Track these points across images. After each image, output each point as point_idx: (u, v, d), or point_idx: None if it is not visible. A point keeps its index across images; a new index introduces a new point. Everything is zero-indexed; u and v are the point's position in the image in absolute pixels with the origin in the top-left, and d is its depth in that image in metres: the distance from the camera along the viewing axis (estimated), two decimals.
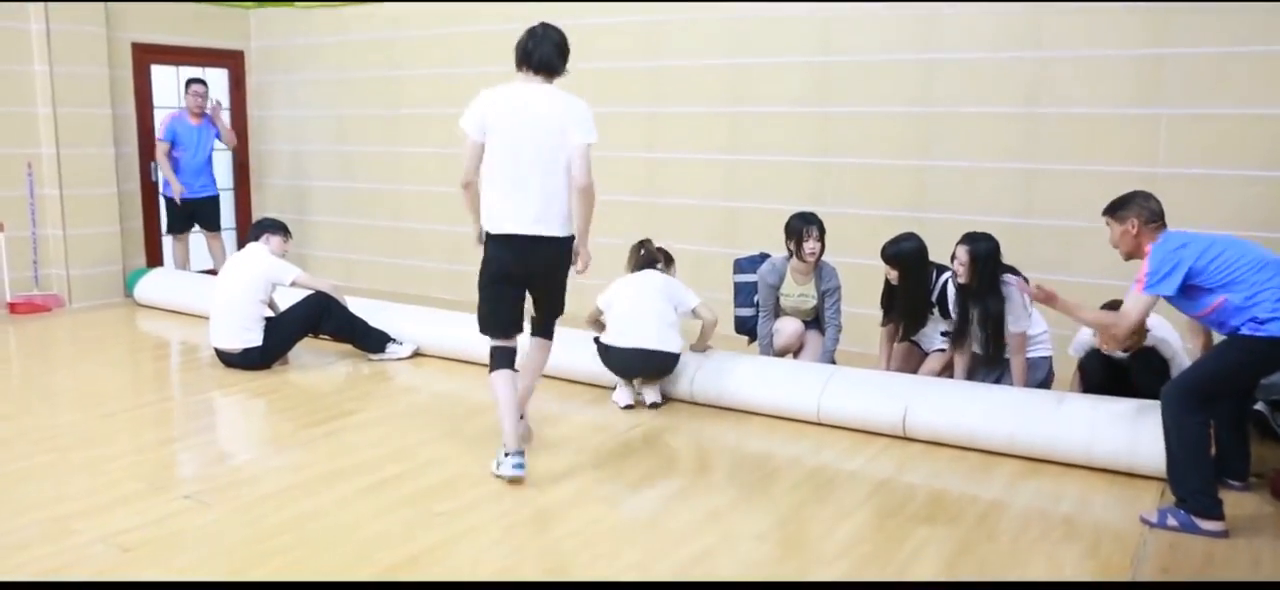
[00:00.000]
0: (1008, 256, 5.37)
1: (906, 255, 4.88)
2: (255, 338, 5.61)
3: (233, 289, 5.67)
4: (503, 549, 3.33)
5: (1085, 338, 4.63)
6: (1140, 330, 4.03)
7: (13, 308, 7.30)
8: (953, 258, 4.72)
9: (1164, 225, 3.65)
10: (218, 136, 7.92)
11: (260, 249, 5.81)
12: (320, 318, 5.86)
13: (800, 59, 6.35)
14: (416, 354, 6.02)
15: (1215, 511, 3.46)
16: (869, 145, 6.18)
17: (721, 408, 4.96)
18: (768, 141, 6.52)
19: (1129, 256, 3.76)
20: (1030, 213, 5.69)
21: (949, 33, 5.86)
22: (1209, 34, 5.17)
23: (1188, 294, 3.51)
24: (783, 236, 5.24)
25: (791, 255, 5.17)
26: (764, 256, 5.48)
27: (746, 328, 5.55)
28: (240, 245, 8.74)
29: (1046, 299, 3.94)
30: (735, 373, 4.96)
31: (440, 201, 8.05)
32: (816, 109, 6.33)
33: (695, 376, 5.02)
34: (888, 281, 5.02)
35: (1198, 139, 5.26)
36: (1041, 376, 4.79)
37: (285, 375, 5.62)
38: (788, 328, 5.30)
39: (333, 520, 3.56)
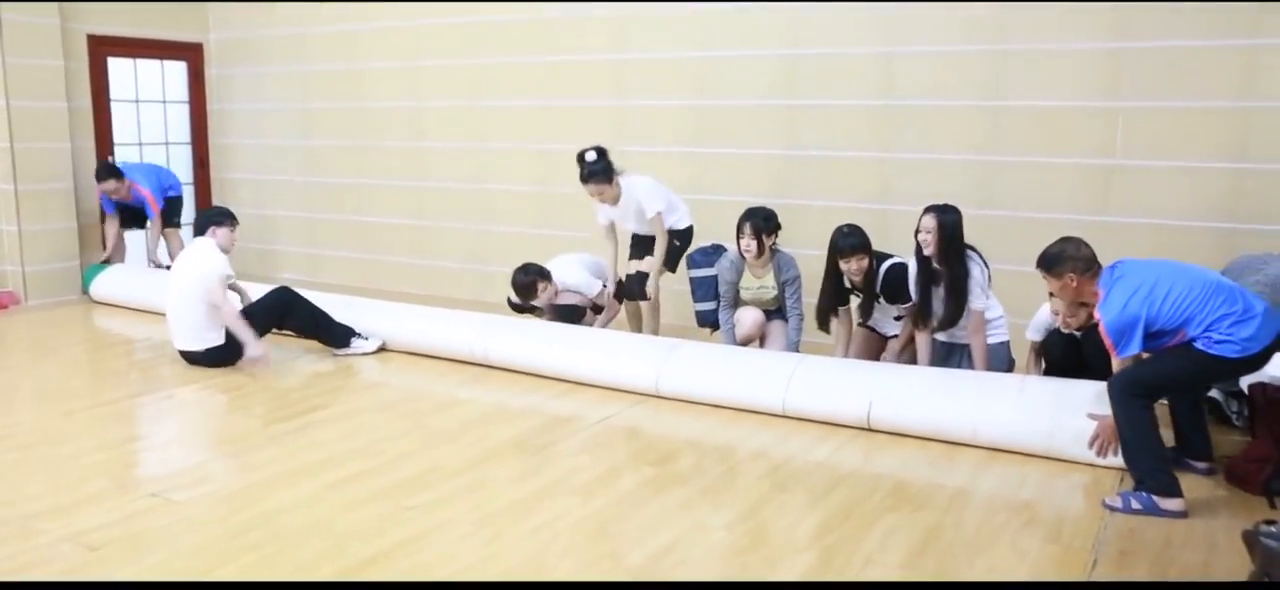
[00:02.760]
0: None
1: (855, 248, 4.95)
2: (216, 336, 5.53)
3: (183, 292, 5.55)
4: (475, 541, 3.34)
5: (1043, 318, 4.69)
6: (1092, 311, 4.09)
7: None
8: (917, 231, 4.75)
9: (1099, 269, 3.72)
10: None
11: (207, 244, 5.66)
12: (285, 312, 5.80)
13: (766, 52, 6.40)
14: (382, 349, 5.99)
15: (1174, 489, 3.56)
16: (833, 138, 6.24)
17: (687, 401, 4.97)
18: (733, 135, 6.56)
19: (1072, 304, 3.94)
20: (992, 204, 5.78)
21: (912, 27, 5.93)
22: (1165, 29, 5.29)
23: (1150, 339, 3.59)
24: None
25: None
26: (718, 248, 5.53)
27: (707, 321, 5.59)
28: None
29: (1112, 430, 3.84)
30: (700, 368, 4.98)
31: (406, 195, 8.02)
32: (782, 102, 6.38)
33: (661, 371, 5.03)
34: (834, 272, 5.06)
35: (1154, 131, 5.38)
36: (1000, 363, 4.85)
37: (241, 379, 5.50)
38: (748, 318, 5.34)
39: (303, 515, 3.55)
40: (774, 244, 5.27)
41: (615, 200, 5.64)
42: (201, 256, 5.60)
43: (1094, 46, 5.47)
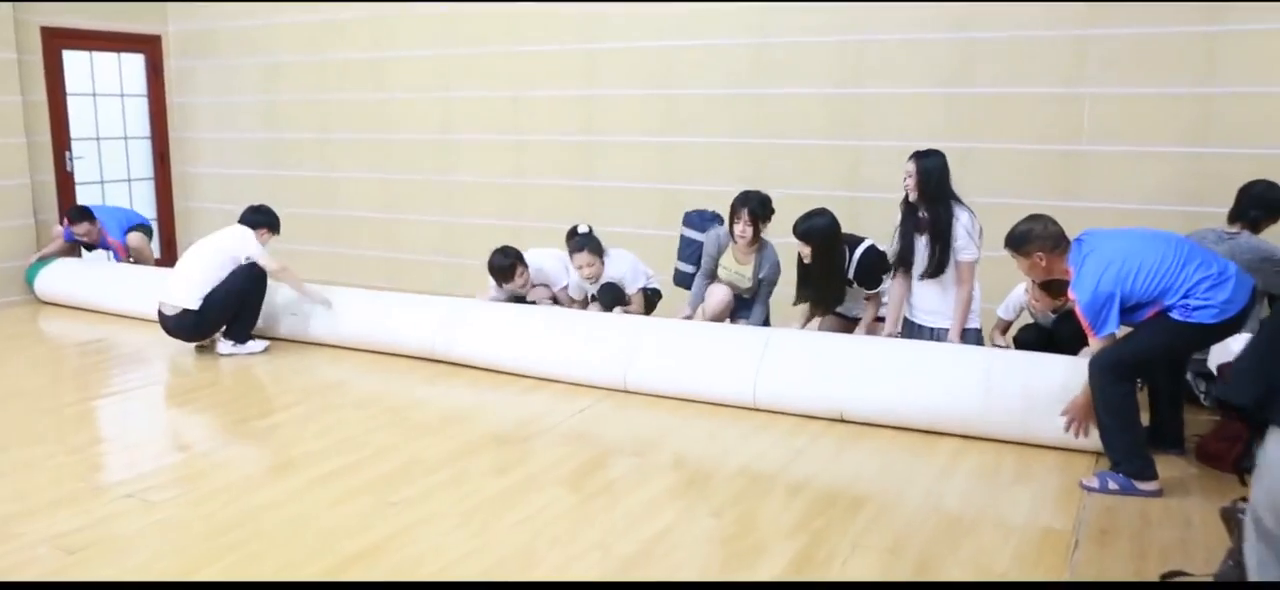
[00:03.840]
0: None
1: (817, 231, 4.80)
2: (193, 303, 5.56)
3: (205, 249, 5.73)
4: (463, 534, 3.32)
5: (1017, 298, 4.74)
6: (1064, 294, 4.11)
7: None
8: (905, 180, 4.64)
9: (1068, 244, 3.70)
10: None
11: (248, 233, 5.80)
12: (253, 289, 5.77)
13: (733, 42, 6.41)
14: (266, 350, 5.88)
15: (1149, 472, 3.60)
16: (801, 127, 6.27)
17: (657, 396, 4.91)
18: (702, 124, 6.58)
19: (1044, 281, 3.94)
20: (960, 190, 5.82)
21: (878, 15, 5.97)
22: (1129, 16, 5.38)
23: (1126, 312, 3.58)
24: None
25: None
26: (716, 216, 5.50)
27: (682, 282, 5.58)
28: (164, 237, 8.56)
29: (1086, 409, 3.84)
30: (668, 363, 4.91)
31: (374, 187, 7.94)
32: (749, 91, 6.40)
33: (629, 366, 4.96)
34: (800, 258, 4.94)
35: (1118, 117, 5.48)
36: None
37: (214, 371, 5.46)
38: (718, 296, 5.31)
39: (286, 512, 3.51)
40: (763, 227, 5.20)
41: (598, 278, 5.60)
42: (244, 240, 5.76)
43: (1060, 34, 5.55)
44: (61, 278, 7.25)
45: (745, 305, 5.39)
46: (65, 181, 7.96)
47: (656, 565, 3.09)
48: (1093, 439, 3.90)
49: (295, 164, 8.29)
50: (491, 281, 5.78)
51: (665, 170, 6.74)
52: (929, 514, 3.52)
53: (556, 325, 5.36)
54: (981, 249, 4.62)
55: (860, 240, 4.93)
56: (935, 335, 4.71)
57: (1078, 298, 3.61)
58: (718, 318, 5.35)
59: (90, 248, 7.49)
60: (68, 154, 7.97)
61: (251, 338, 5.85)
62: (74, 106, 8.04)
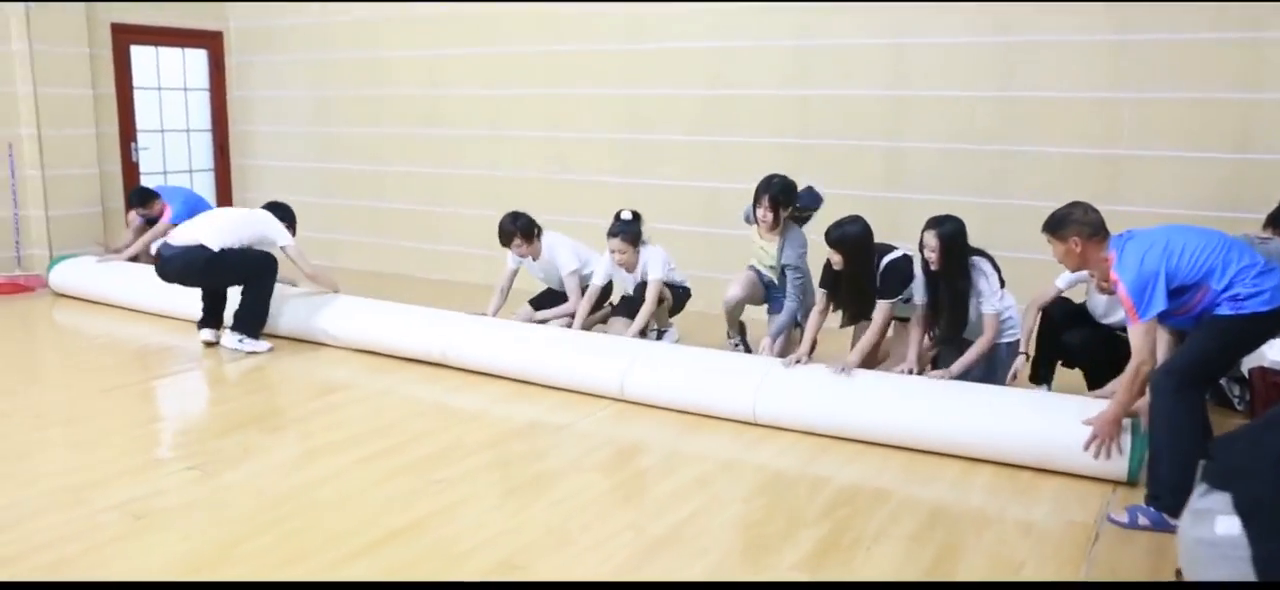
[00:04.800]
0: (980, 237, 5.57)
1: (851, 239, 4.63)
2: (213, 244, 5.47)
3: (233, 212, 5.89)
4: (503, 512, 3.49)
5: (1068, 280, 4.56)
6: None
7: None
8: (921, 245, 4.63)
9: (1107, 234, 3.60)
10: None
11: (273, 217, 5.88)
12: (265, 276, 5.71)
13: (777, 43, 6.52)
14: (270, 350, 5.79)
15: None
16: (846, 127, 6.36)
17: (654, 407, 4.75)
18: (745, 124, 6.69)
19: (1077, 270, 3.81)
20: (1001, 193, 5.91)
21: (921, 19, 6.04)
22: (1169, 22, 5.40)
23: (1173, 297, 3.41)
24: None
25: None
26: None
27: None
28: None
29: (1113, 426, 3.70)
30: (670, 374, 4.78)
31: (422, 181, 8.16)
32: (795, 91, 6.50)
33: (627, 374, 4.84)
34: (829, 264, 4.76)
35: (1158, 122, 5.50)
36: (1009, 363, 4.64)
37: (243, 364, 5.49)
38: (742, 279, 5.33)
39: (335, 488, 3.70)
40: (789, 216, 5.18)
41: (632, 267, 5.58)
42: (278, 229, 5.82)
43: (1099, 39, 5.58)
44: (77, 273, 7.14)
45: (775, 294, 5.38)
46: (130, 172, 8.30)
47: (687, 546, 3.23)
48: (1111, 465, 3.74)
49: (345, 157, 8.55)
50: (510, 253, 5.78)
51: (708, 169, 6.86)
52: (951, 505, 3.61)
53: (565, 340, 5.29)
54: (1002, 293, 4.62)
55: (890, 249, 4.82)
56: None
57: (1121, 278, 3.45)
58: (740, 302, 5.37)
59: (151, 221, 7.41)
60: (133, 145, 8.30)
61: (260, 336, 5.74)
62: (140, 100, 8.38)
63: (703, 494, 3.69)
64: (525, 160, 7.65)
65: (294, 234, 5.98)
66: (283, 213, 6.03)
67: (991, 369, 4.61)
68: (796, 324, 5.26)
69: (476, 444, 4.23)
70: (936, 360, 4.82)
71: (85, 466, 3.88)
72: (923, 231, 4.57)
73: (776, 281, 5.38)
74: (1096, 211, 3.65)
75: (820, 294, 4.88)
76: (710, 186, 6.85)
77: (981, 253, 4.66)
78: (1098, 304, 4.56)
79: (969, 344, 4.58)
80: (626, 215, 5.53)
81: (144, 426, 4.62)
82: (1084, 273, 4.30)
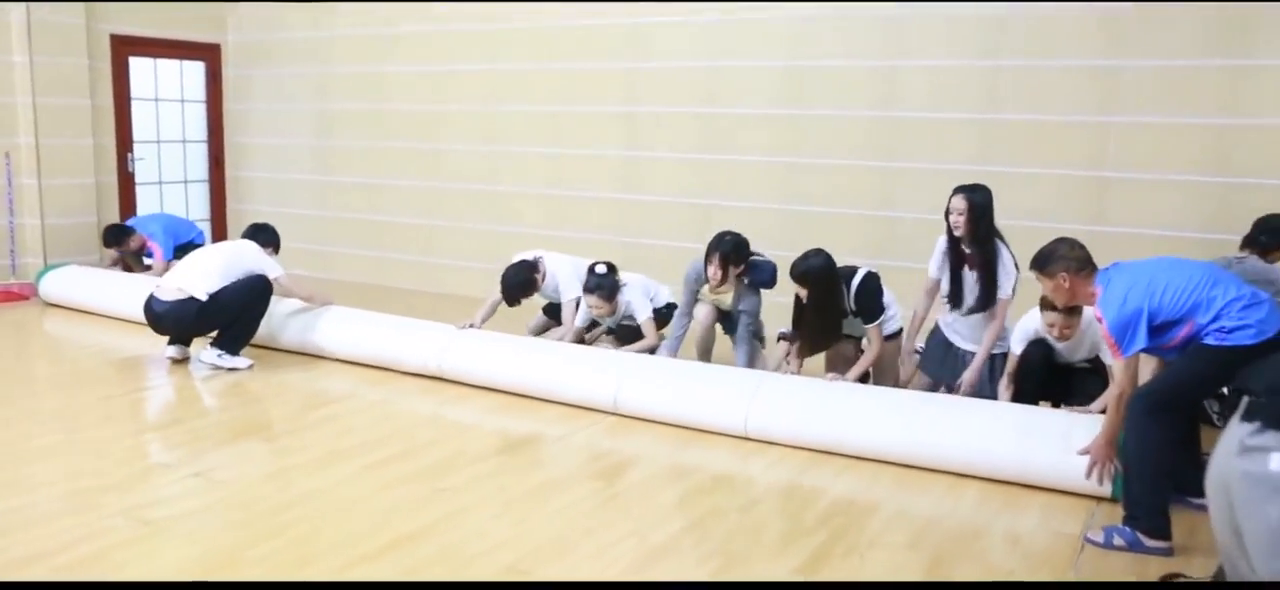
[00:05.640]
0: None
1: (815, 272, 4.69)
2: (201, 294, 5.40)
3: (222, 251, 5.71)
4: (507, 519, 3.56)
5: (1031, 326, 4.53)
6: (1079, 312, 4.12)
7: None
8: (948, 212, 4.66)
9: (1094, 268, 3.63)
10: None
11: (262, 251, 5.78)
12: (258, 300, 5.67)
13: (772, 64, 6.65)
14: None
15: (1164, 531, 3.39)
16: (838, 147, 6.48)
17: (645, 420, 4.80)
18: (741, 143, 6.81)
19: (1068, 305, 3.85)
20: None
21: (913, 42, 6.19)
22: (1154, 48, 5.55)
23: (1156, 334, 3.44)
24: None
25: None
26: (759, 255, 5.40)
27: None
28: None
29: (1107, 449, 3.76)
30: (660, 387, 4.82)
31: (420, 195, 8.24)
32: (788, 112, 6.63)
33: (620, 387, 4.87)
34: (798, 298, 4.83)
35: (1143, 146, 5.65)
36: (1001, 372, 4.74)
37: (231, 378, 5.46)
38: (702, 313, 5.35)
39: (342, 494, 3.77)
40: (742, 272, 5.12)
41: (613, 315, 5.56)
42: (263, 259, 5.71)
43: (1086, 64, 5.73)
44: (68, 282, 7.12)
45: (729, 325, 5.36)
46: (126, 182, 8.36)
47: (688, 554, 3.31)
48: (1093, 482, 3.80)
49: (343, 170, 8.62)
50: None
51: (703, 187, 6.97)
52: (943, 517, 3.71)
53: (557, 354, 5.32)
54: (1015, 282, 4.68)
55: (853, 271, 4.84)
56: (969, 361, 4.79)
57: (1104, 315, 3.51)
58: (704, 335, 5.39)
59: (138, 254, 7.46)
60: (129, 156, 8.36)
61: (240, 353, 5.67)
62: (137, 110, 8.44)
63: (700, 504, 3.77)
64: (523, 176, 7.74)
65: (278, 251, 5.96)
66: (266, 235, 5.95)
67: (982, 383, 4.73)
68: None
69: (478, 453, 4.31)
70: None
71: (90, 472, 3.93)
72: (950, 197, 4.64)
73: (732, 313, 5.32)
74: (1082, 247, 3.69)
75: (781, 346, 5.00)
76: (705, 203, 6.96)
77: (1000, 236, 4.69)
78: (1061, 348, 4.52)
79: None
80: (601, 269, 5.40)
81: (145, 434, 4.67)
82: (1033, 328, 4.43)
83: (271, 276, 5.71)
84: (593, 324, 5.76)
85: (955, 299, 4.77)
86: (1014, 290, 4.69)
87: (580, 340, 5.66)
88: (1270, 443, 2.04)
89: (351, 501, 3.71)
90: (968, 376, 4.71)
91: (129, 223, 7.57)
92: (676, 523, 3.59)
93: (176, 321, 5.51)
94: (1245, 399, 2.18)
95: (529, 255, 5.71)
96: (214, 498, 3.72)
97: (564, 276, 5.71)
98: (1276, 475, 2.00)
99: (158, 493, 3.75)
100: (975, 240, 4.63)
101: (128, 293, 6.66)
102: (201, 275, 5.50)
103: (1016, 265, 4.66)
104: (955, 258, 4.72)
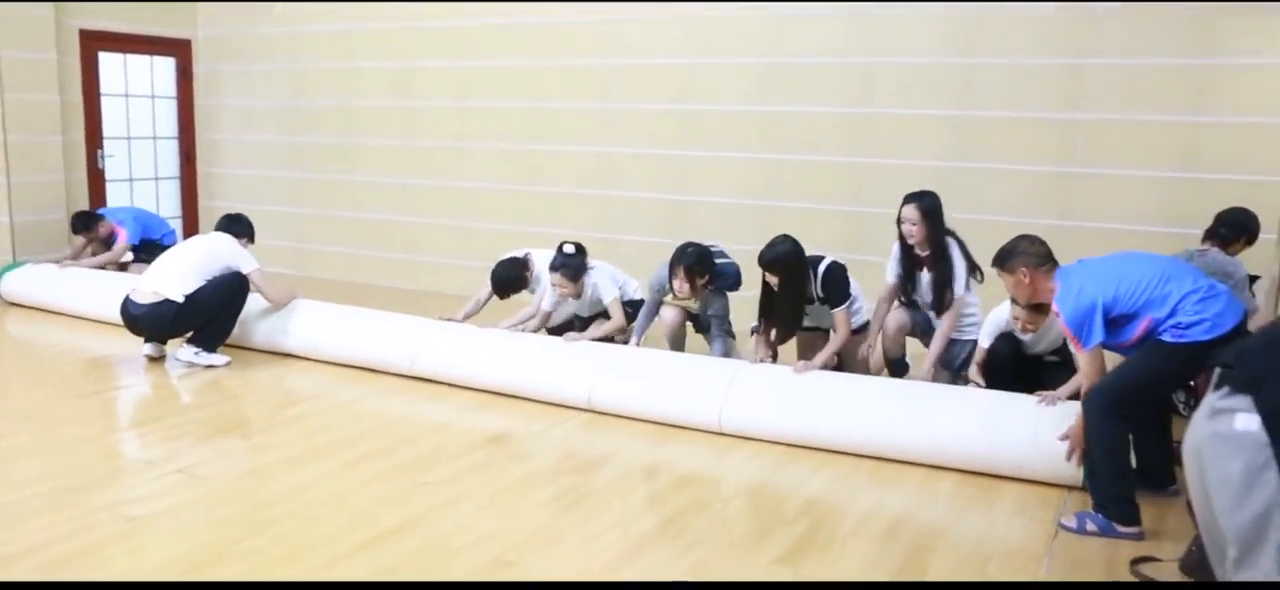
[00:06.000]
0: None
1: (784, 258, 4.73)
2: (177, 295, 5.39)
3: (195, 249, 5.65)
4: (491, 512, 3.60)
5: (1001, 318, 4.61)
6: (1046, 310, 4.13)
7: None
8: (899, 221, 4.75)
9: (1054, 264, 3.72)
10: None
11: (236, 243, 5.74)
12: (235, 298, 5.66)
13: (747, 61, 6.71)
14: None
15: (1133, 518, 3.50)
16: (811, 143, 6.56)
17: (619, 416, 4.82)
18: (715, 139, 6.87)
19: (1030, 302, 3.92)
20: (960, 208, 6.10)
21: (886, 39, 6.27)
22: (1122, 46, 5.68)
23: (1114, 328, 3.52)
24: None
25: None
26: (722, 255, 5.45)
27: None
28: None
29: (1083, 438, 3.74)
30: (634, 382, 4.85)
31: (395, 192, 8.23)
32: (761, 108, 6.69)
33: (593, 383, 4.89)
34: (766, 287, 4.87)
35: (1110, 142, 5.77)
36: (964, 356, 4.87)
37: (207, 375, 5.44)
38: (670, 316, 5.40)
39: (325, 489, 3.78)
40: (707, 282, 5.10)
41: (578, 297, 5.52)
42: (237, 252, 5.67)
43: (1057, 61, 5.85)
44: (31, 280, 7.04)
45: (700, 325, 5.40)
46: (96, 179, 8.26)
47: (672, 543, 3.37)
48: (1064, 472, 3.86)
49: (317, 167, 8.59)
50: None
51: (677, 182, 7.02)
52: (919, 506, 3.79)
53: (530, 348, 5.29)
54: (973, 277, 4.76)
55: (819, 259, 4.89)
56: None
57: (1062, 310, 3.60)
58: (674, 335, 5.43)
59: (107, 243, 7.26)
60: (99, 152, 8.27)
61: (217, 350, 5.65)
62: (107, 106, 8.34)
63: (681, 496, 3.83)
64: (497, 171, 7.75)
65: (253, 240, 5.92)
66: (240, 226, 5.90)
67: (949, 363, 4.80)
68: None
69: (457, 449, 4.33)
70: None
71: (71, 470, 3.91)
72: (901, 206, 4.74)
73: (701, 317, 5.38)
74: (1043, 244, 3.77)
75: (756, 340, 5.03)
76: (678, 199, 7.01)
77: (952, 233, 4.78)
78: (1026, 340, 4.61)
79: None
80: (569, 249, 5.40)
81: (123, 431, 4.66)
82: (1002, 321, 4.51)
83: (245, 271, 5.67)
84: (570, 324, 5.76)
85: (911, 303, 4.89)
86: (968, 285, 4.78)
87: (547, 324, 5.63)
88: (1237, 405, 2.16)
89: (335, 496, 3.72)
90: (923, 371, 4.74)
91: (100, 211, 7.47)
92: (658, 514, 3.64)
93: (153, 324, 5.47)
94: (1217, 371, 2.27)
95: (519, 253, 5.73)
96: (197, 494, 3.72)
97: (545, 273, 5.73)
98: (1241, 433, 2.12)
99: (140, 489, 3.75)
100: (929, 245, 4.72)
101: (90, 292, 6.60)
102: (177, 277, 5.46)
103: (970, 262, 4.75)
104: (909, 262, 4.84)
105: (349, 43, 8.23)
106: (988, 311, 4.79)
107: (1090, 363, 3.59)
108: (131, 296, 5.49)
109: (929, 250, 4.76)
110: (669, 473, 4.14)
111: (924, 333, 5.01)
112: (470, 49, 7.72)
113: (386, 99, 8.15)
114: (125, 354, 5.77)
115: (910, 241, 4.75)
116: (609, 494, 3.88)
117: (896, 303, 5.02)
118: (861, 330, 5.04)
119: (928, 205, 4.72)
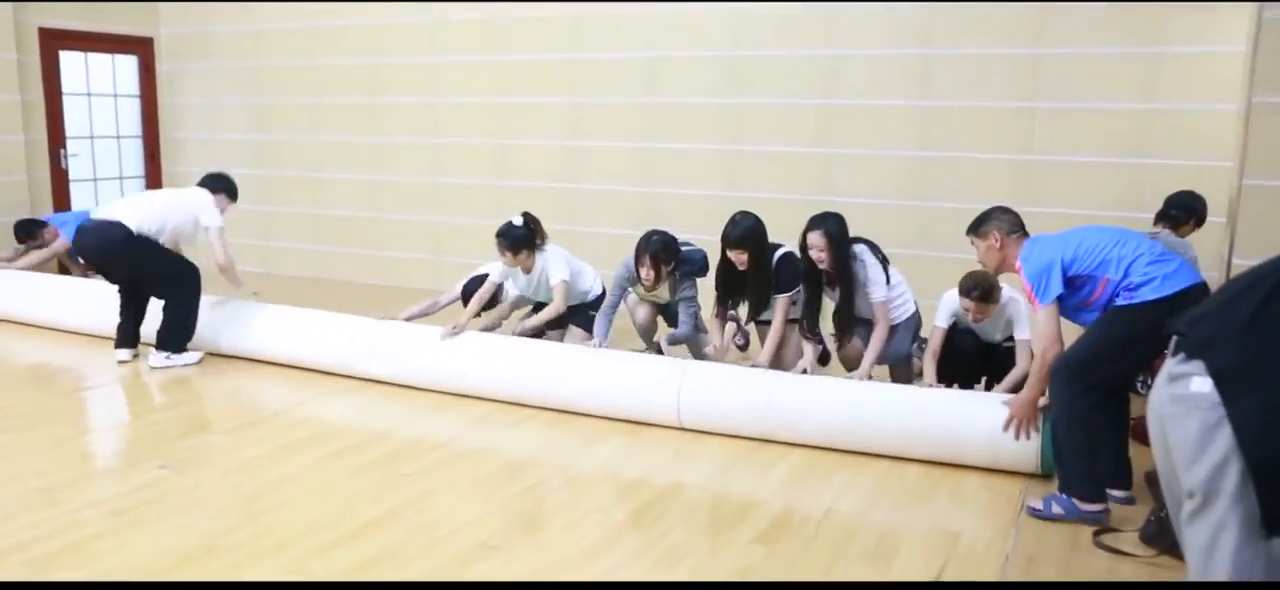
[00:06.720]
0: (903, 238, 5.92)
1: (751, 235, 4.76)
2: (132, 225, 5.21)
3: (162, 192, 5.63)
4: (474, 499, 3.67)
5: (951, 304, 4.63)
6: (995, 298, 4.37)
7: None
8: (804, 247, 4.72)
9: (1026, 233, 3.85)
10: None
11: (208, 198, 5.56)
12: (189, 286, 5.51)
13: (713, 54, 6.81)
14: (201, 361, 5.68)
15: (1097, 495, 3.55)
16: (777, 135, 6.68)
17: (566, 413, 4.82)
18: (682, 131, 6.96)
19: (997, 270, 4.00)
20: (924, 196, 6.29)
21: (849, 32, 6.40)
22: (1079, 36, 5.84)
23: (1073, 289, 3.62)
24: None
25: None
26: (686, 244, 5.48)
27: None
28: None
29: (1028, 409, 3.89)
30: (599, 380, 4.80)
31: (362, 188, 8.23)
32: (728, 101, 6.80)
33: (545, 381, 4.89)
34: (726, 267, 4.90)
35: (1069, 130, 5.94)
36: (910, 336, 4.88)
37: (180, 376, 5.42)
38: (641, 313, 5.44)
39: (308, 482, 3.83)
40: (672, 269, 5.12)
41: (527, 270, 5.43)
42: (204, 206, 5.50)
43: (1015, 53, 6.01)
44: None
45: (670, 315, 5.44)
46: (60, 178, 8.19)
47: (653, 526, 3.46)
48: (1025, 459, 3.95)
49: (283, 164, 8.57)
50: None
51: (645, 175, 7.11)
52: (890, 485, 3.91)
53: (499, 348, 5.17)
54: (890, 275, 4.78)
55: (777, 247, 4.93)
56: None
57: (1023, 267, 3.71)
58: (645, 331, 5.47)
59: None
60: (62, 152, 8.20)
61: (186, 349, 5.58)
62: (69, 106, 8.27)
63: (656, 482, 3.92)
64: (465, 167, 7.79)
65: (234, 199, 5.78)
66: (218, 182, 5.72)
67: (896, 349, 4.83)
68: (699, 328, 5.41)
69: (436, 442, 4.37)
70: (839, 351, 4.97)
71: (52, 469, 3.92)
72: (805, 232, 4.69)
73: (669, 305, 5.41)
74: (1016, 214, 3.94)
75: (728, 328, 5.06)
76: (647, 192, 7.10)
77: (862, 240, 4.80)
78: (979, 329, 4.69)
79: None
80: (516, 220, 5.32)
81: (99, 431, 4.67)
82: (954, 307, 4.58)
83: (203, 222, 5.45)
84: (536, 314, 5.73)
85: (811, 327, 4.88)
86: (888, 281, 4.75)
87: (496, 295, 5.58)
88: (1192, 369, 2.29)
89: (319, 488, 3.77)
90: (862, 369, 4.68)
91: (46, 219, 7.29)
92: (636, 499, 3.72)
93: (99, 241, 5.25)
94: (1174, 339, 2.40)
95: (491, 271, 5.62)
96: (181, 489, 3.75)
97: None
98: (1196, 395, 2.26)
99: (123, 486, 3.76)
100: (836, 266, 4.71)
101: (48, 297, 6.39)
102: (135, 209, 5.31)
103: (881, 257, 4.76)
104: (815, 287, 4.84)
105: (312, 40, 8.22)
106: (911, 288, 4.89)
107: (1047, 321, 3.63)
108: (90, 214, 5.25)
109: (837, 273, 4.73)
110: (641, 460, 4.22)
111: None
112: (436, 45, 7.75)
113: (353, 96, 8.15)
114: (90, 359, 5.69)
115: (821, 266, 4.72)
116: (587, 482, 3.96)
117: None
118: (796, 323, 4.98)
119: (833, 228, 4.66)
